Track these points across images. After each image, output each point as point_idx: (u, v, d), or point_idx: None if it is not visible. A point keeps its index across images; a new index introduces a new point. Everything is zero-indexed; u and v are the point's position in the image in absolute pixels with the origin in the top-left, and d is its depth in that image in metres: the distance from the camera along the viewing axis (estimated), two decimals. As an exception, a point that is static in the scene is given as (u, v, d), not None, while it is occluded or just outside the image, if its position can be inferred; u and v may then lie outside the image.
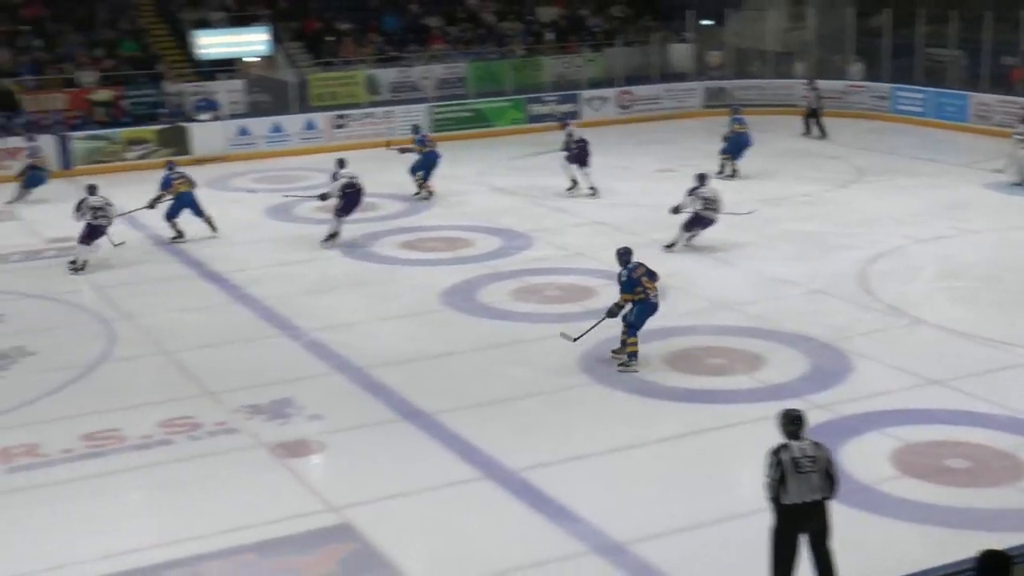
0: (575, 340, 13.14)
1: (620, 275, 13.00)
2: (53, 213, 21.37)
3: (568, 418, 11.76)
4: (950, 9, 28.71)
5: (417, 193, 21.94)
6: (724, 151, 23.47)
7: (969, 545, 5.81)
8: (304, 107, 27.91)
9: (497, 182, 23.32)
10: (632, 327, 12.93)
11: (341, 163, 19.13)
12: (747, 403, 11.90)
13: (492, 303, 15.38)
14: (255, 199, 22.27)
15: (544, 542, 9.25)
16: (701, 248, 17.72)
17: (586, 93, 30.17)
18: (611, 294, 15.45)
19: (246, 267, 17.44)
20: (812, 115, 27.61)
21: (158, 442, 11.17)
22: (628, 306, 12.91)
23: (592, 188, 21.77)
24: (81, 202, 17.73)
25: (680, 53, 32.61)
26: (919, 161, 24.26)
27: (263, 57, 29.32)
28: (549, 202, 21.24)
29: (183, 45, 28.95)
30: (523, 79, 30.50)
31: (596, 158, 22.39)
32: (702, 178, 17.80)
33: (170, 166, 19.68)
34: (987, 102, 27.33)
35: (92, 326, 14.84)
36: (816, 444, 7.96)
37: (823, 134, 27.19)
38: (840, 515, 9.50)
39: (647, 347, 13.43)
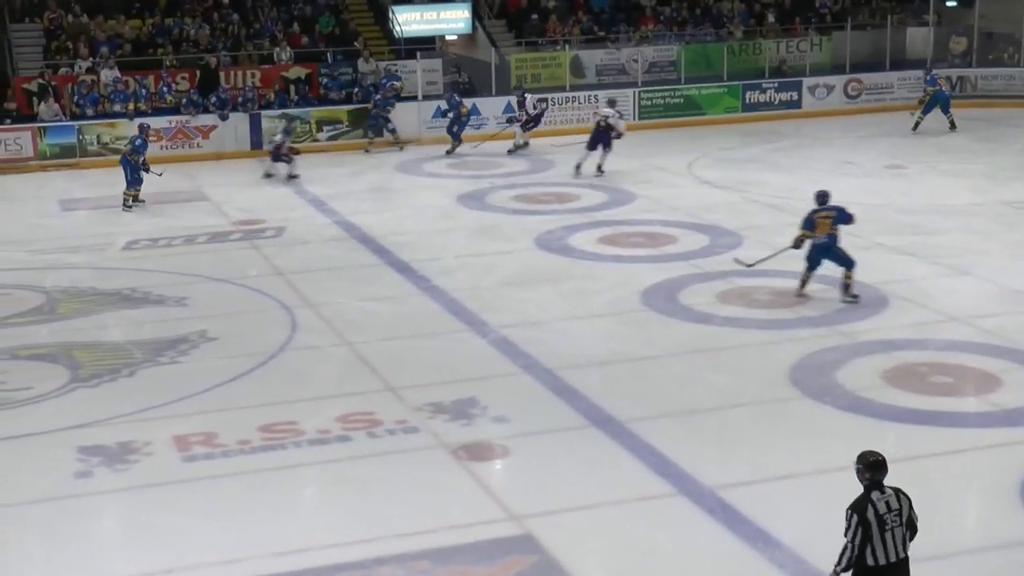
0: (750, 266, 14.84)
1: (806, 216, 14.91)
2: (242, 195, 22.24)
3: (773, 433, 11.56)
4: None
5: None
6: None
7: None
8: (504, 89, 28.20)
9: (707, 175, 23.11)
10: (808, 264, 14.84)
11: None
12: (976, 427, 11.49)
13: (695, 305, 15.26)
14: (449, 185, 22.64)
15: (738, 567, 9.11)
16: (933, 254, 17.17)
17: (809, 80, 29.58)
18: (829, 298, 15.22)
19: (436, 257, 17.74)
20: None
21: (336, 437, 11.46)
22: (808, 243, 14.76)
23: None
24: None
25: (918, 37, 31.66)
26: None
27: (463, 35, 29.78)
28: (763, 198, 20.93)
29: (382, 22, 29.65)
30: (740, 64, 30.13)
31: (818, 150, 22.02)
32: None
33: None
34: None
35: (275, 313, 15.35)
36: (898, 492, 7.57)
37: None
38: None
39: (865, 360, 13.14)
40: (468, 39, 30.08)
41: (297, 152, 23.61)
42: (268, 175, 23.44)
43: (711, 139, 26.59)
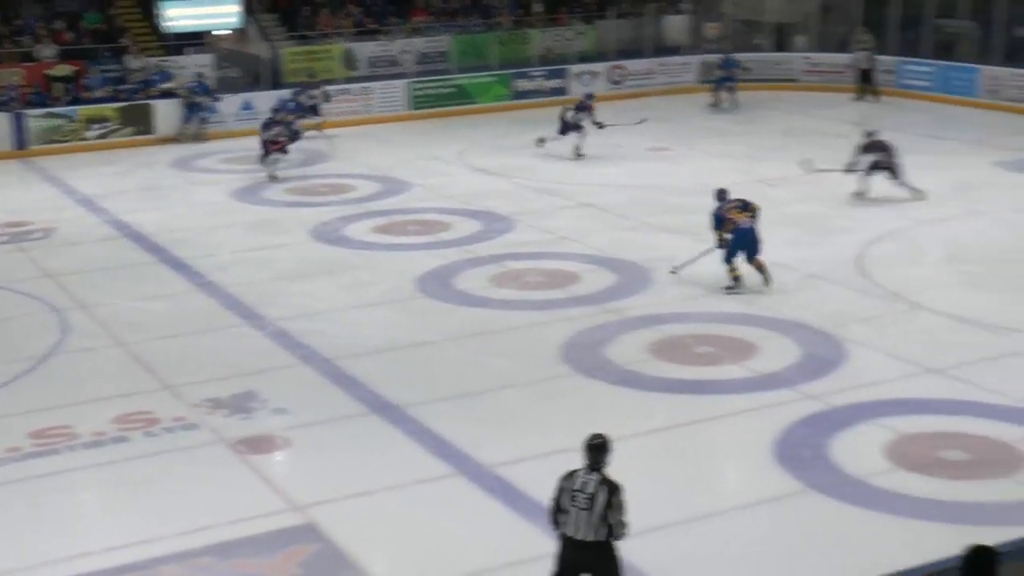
0: (674, 272, 15.34)
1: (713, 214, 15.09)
2: (7, 196, 21.36)
3: (548, 411, 11.78)
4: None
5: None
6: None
7: (962, 540, 5.84)
8: (277, 83, 27.84)
9: (480, 162, 23.31)
10: (727, 257, 14.84)
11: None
12: (737, 393, 11.95)
13: (470, 290, 15.40)
14: (223, 180, 22.22)
15: (520, 541, 9.26)
16: (697, 231, 17.70)
17: (575, 68, 30.14)
18: (597, 280, 15.58)
19: (211, 253, 17.42)
20: (865, 78, 28.82)
21: (112, 439, 11.16)
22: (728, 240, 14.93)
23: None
24: None
25: (675, 25, 32.62)
26: (926, 138, 24.24)
27: (234, 30, 29.25)
28: (536, 183, 21.24)
29: (151, 17, 28.86)
30: (509, 53, 30.46)
31: (586, 136, 22.54)
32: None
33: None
34: (998, 76, 27.35)
35: (45, 316, 14.82)
36: (603, 484, 7.46)
37: (876, 96, 28.56)
38: (830, 510, 9.61)
39: (632, 336, 13.51)
40: (240, 33, 29.53)
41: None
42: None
43: (483, 127, 26.82)
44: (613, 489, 7.49)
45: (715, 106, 28.45)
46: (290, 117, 23.36)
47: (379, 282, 15.87)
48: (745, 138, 24.96)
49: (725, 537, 9.22)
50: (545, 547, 9.10)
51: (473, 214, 19.13)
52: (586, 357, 12.98)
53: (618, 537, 7.54)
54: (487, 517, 9.67)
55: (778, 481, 10.07)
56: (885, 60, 29.50)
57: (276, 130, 22.09)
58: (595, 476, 7.52)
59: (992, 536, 6.90)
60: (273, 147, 21.93)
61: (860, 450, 10.53)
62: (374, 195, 20.69)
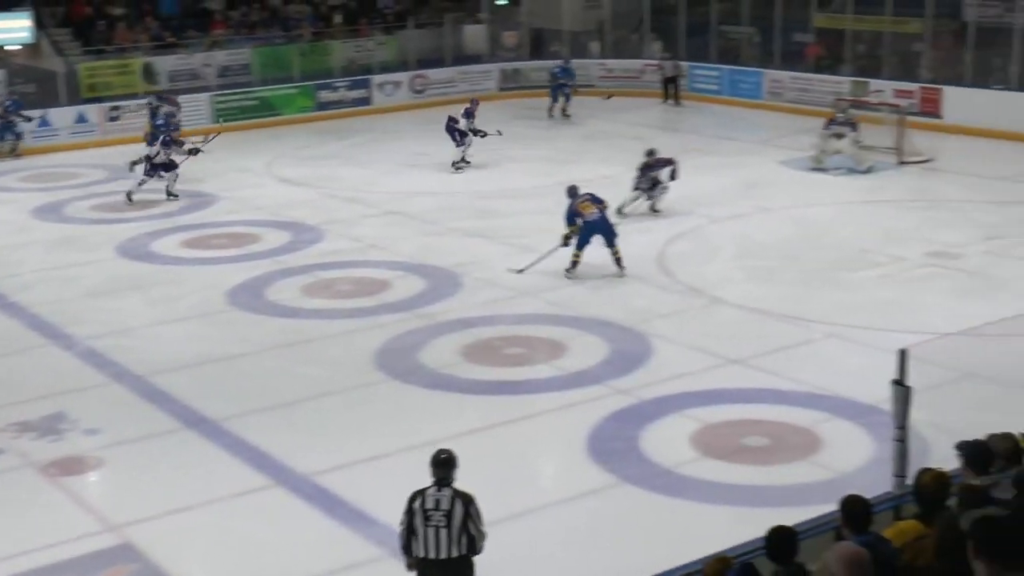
0: (521, 272, 15.51)
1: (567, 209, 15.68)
2: None
3: (363, 417, 11.71)
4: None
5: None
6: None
7: (767, 522, 6.01)
8: (74, 99, 26.94)
9: (286, 173, 23.01)
10: (578, 244, 15.45)
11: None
12: (548, 392, 12.07)
13: (281, 300, 15.18)
14: (21, 199, 21.37)
15: (340, 548, 9.18)
16: (504, 235, 17.87)
17: (378, 78, 30.03)
18: (407, 286, 15.55)
19: (13, 273, 16.75)
20: (671, 82, 29.27)
21: (-86, 468, 10.62)
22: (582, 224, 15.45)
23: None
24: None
25: (474, 34, 32.80)
26: (716, 139, 24.98)
27: (26, 45, 28.17)
28: (342, 193, 21.07)
29: (-64, 33, 27.59)
30: (312, 64, 30.15)
31: (391, 144, 22.42)
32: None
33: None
34: (780, 79, 28.38)
35: None
36: (456, 497, 7.28)
37: (677, 102, 28.95)
38: (642, 500, 9.80)
39: (444, 340, 13.53)
40: (32, 49, 28.47)
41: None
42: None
43: (288, 139, 26.48)
44: (468, 500, 7.30)
45: (551, 114, 28.14)
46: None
47: (189, 296, 15.52)
48: (547, 143, 25.27)
49: (544, 532, 9.31)
50: (366, 553, 9.09)
51: (281, 225, 18.86)
52: (399, 362, 12.94)
53: (478, 549, 7.31)
54: (307, 526, 9.54)
55: (593, 475, 10.21)
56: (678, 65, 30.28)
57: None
58: (447, 491, 7.28)
59: (794, 516, 7.10)
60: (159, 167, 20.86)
61: (669, 441, 10.76)
62: (180, 209, 20.19)
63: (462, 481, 9.99)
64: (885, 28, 26.92)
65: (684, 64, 29.82)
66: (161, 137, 20.91)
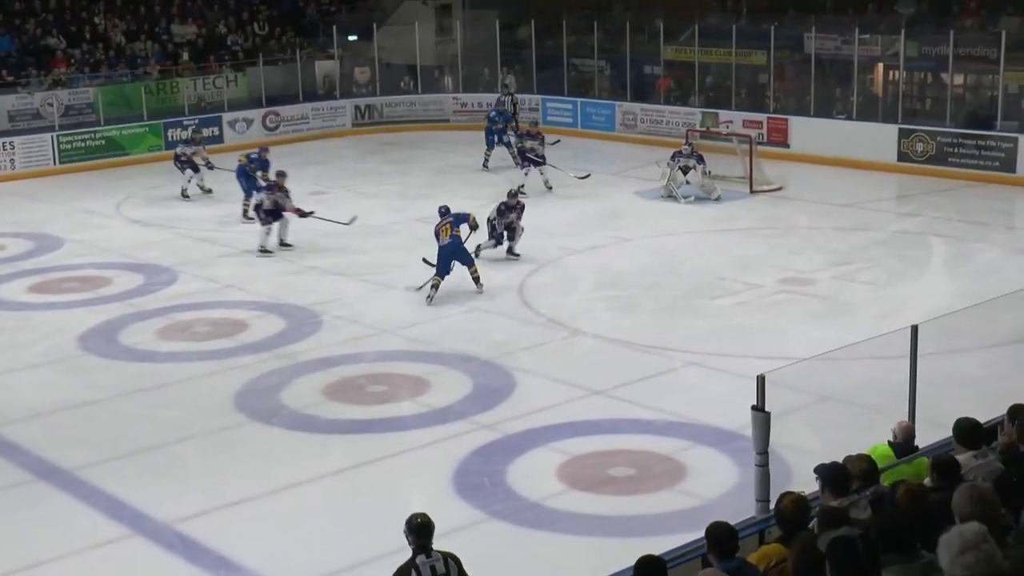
0: (419, 290, 16.27)
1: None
2: None
3: (225, 461, 11.52)
4: (592, 20, 30.28)
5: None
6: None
7: (635, 552, 6.08)
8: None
9: (136, 214, 22.55)
10: (436, 271, 16.02)
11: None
12: (413, 429, 12.03)
13: (136, 344, 14.86)
14: None
15: (204, 597, 9.00)
16: (356, 272, 17.80)
17: (229, 115, 29.67)
18: (266, 326, 15.37)
19: None
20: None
21: None
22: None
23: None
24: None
25: (326, 70, 32.68)
26: (572, 171, 25.22)
27: None
28: (196, 233, 20.74)
29: None
30: (160, 103, 29.67)
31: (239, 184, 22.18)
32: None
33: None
34: (632, 111, 28.91)
35: None
36: (447, 558, 6.91)
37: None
38: (511, 535, 9.82)
39: (306, 380, 13.42)
40: None
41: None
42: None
43: (137, 179, 25.95)
44: (457, 559, 6.95)
45: (485, 166, 25.83)
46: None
47: (38, 342, 15.09)
48: (399, 178, 25.27)
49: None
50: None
51: (133, 267, 18.48)
52: (261, 404, 12.77)
53: None
54: (166, 575, 9.34)
55: (460, 512, 10.19)
56: (530, 98, 30.60)
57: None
58: (436, 556, 6.87)
59: (661, 545, 7.22)
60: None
61: (535, 475, 10.82)
62: (26, 253, 19.62)
63: (328, 520, 9.96)
64: (731, 61, 27.64)
65: (516, 96, 29.38)
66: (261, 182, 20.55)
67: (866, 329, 13.84)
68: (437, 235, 16.39)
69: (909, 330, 9.04)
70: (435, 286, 16.05)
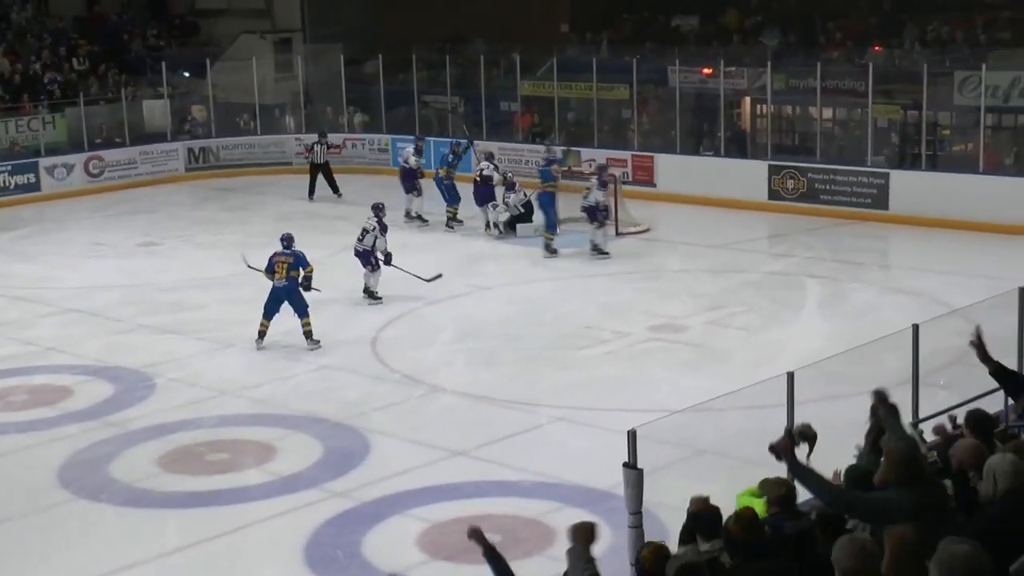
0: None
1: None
2: None
3: (48, 543, 11.20)
4: (444, 54, 30.50)
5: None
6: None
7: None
8: None
9: (-57, 271, 21.95)
10: (264, 312, 16.21)
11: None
12: (259, 500, 11.88)
13: (-55, 417, 14.43)
14: None
15: None
16: (198, 329, 17.55)
17: (46, 160, 29.01)
18: (92, 392, 15.04)
19: None
20: (320, 171, 27.88)
21: None
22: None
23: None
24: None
25: (156, 110, 32.23)
26: (428, 215, 25.26)
27: None
28: (11, 291, 20.22)
29: None
30: (-33, 147, 28.96)
31: (66, 234, 21.78)
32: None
33: None
34: (487, 149, 29.08)
35: None
36: None
37: (336, 191, 27.75)
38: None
39: (139, 449, 13.18)
40: None
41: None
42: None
43: (-58, 231, 25.28)
44: None
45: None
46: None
47: None
48: (237, 226, 25.04)
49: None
50: None
51: (-60, 330, 17.98)
52: (88, 478, 12.47)
53: None
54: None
55: (312, 585, 10.09)
56: (379, 138, 30.65)
57: None
58: None
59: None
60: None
61: (394, 545, 10.76)
62: None
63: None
64: (592, 95, 28.06)
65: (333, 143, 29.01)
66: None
67: (741, 377, 14.06)
68: (271, 267, 16.39)
69: (785, 377, 9.23)
70: (261, 334, 16.34)
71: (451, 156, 25.16)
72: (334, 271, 19.09)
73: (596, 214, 20.93)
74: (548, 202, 22.07)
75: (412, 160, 25.16)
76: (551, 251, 21.46)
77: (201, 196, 28.61)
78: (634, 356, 15.95)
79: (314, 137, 28.60)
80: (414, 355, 16.19)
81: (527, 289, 19.57)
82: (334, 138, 29.46)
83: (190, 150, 31.10)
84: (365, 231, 18.79)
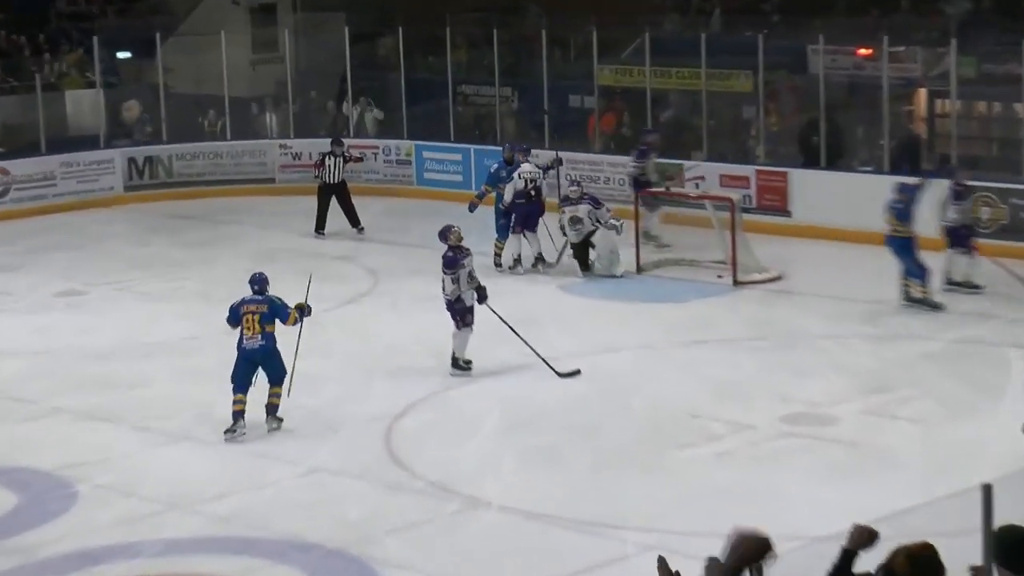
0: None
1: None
2: None
3: None
4: (490, 28, 30.55)
5: None
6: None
7: None
8: None
9: None
10: (234, 385, 16.48)
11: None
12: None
13: None
14: None
15: None
16: (139, 415, 17.55)
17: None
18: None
19: None
20: (335, 194, 27.61)
21: None
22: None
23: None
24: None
25: (84, 104, 32.40)
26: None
27: None
28: None
29: None
30: None
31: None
32: None
33: None
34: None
35: None
36: None
37: (355, 223, 27.63)
38: None
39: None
40: None
41: None
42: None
43: None
44: None
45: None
46: None
47: None
48: (200, 270, 25.15)
49: None
50: None
51: None
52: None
53: None
54: None
55: None
56: (399, 146, 30.73)
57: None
58: None
59: None
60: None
61: None
62: None
63: None
64: (699, 85, 27.94)
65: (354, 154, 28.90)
66: None
67: (915, 490, 13.92)
68: (237, 317, 16.66)
69: (980, 491, 9.04)
70: (235, 416, 16.38)
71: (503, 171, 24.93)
72: (333, 332, 19.06)
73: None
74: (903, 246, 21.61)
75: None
76: (929, 304, 21.14)
77: (147, 226, 28.76)
78: (759, 459, 15.78)
79: (323, 145, 28.47)
80: (445, 453, 16.10)
81: (605, 360, 19.46)
82: (321, 145, 29.41)
83: (132, 161, 31.27)
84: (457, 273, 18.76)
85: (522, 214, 23.87)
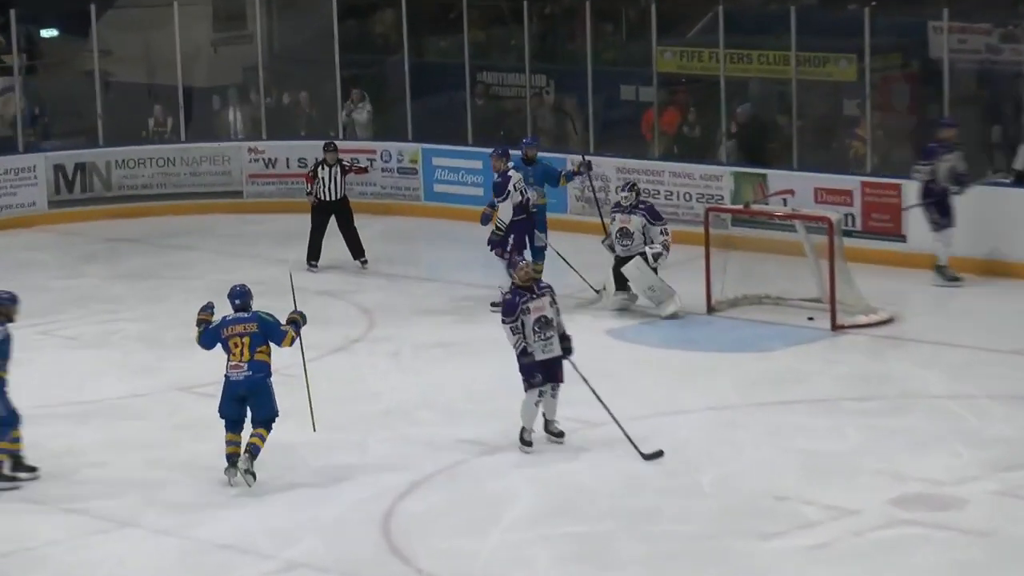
0: None
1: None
2: None
3: None
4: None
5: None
6: None
7: None
8: None
9: None
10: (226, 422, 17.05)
11: None
12: None
13: None
14: None
15: None
16: (59, 500, 17.63)
17: None
18: None
19: None
20: (334, 214, 27.80)
21: None
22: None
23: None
24: None
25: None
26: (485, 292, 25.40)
27: None
28: None
29: None
30: None
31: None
32: None
33: None
34: (597, 170, 29.27)
35: None
36: None
37: (358, 253, 27.88)
38: None
39: None
40: None
41: None
42: None
43: None
44: None
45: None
46: None
47: None
48: (143, 309, 25.25)
49: None
50: None
51: None
52: None
53: None
54: None
55: None
56: (402, 150, 30.85)
57: None
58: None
59: None
60: None
61: None
62: None
63: None
64: (788, 74, 27.94)
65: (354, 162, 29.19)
66: None
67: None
68: (214, 339, 17.01)
69: None
70: (231, 458, 16.89)
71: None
72: (317, 389, 19.21)
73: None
74: None
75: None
76: None
77: (77, 254, 28.89)
78: (866, 552, 15.84)
79: (304, 150, 28.56)
80: (459, 545, 16.19)
81: (667, 425, 19.53)
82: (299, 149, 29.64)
83: (59, 169, 31.41)
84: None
85: (521, 234, 24.08)
